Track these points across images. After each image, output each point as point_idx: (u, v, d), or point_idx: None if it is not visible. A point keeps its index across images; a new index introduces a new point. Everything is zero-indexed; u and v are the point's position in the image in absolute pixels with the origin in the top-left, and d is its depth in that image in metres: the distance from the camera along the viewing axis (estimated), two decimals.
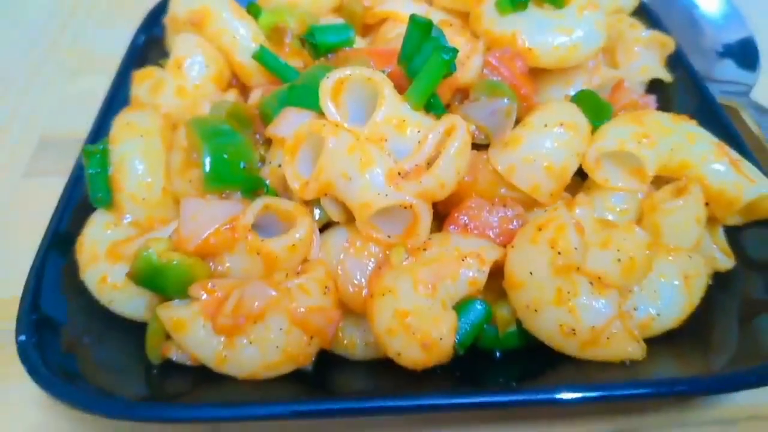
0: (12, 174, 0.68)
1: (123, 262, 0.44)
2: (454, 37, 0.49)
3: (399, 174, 0.40)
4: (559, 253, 0.39)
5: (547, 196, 0.45)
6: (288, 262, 0.41)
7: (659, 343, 0.43)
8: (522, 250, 0.41)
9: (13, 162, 0.69)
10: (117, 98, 0.59)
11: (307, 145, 0.42)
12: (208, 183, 0.44)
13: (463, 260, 0.41)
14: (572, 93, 0.53)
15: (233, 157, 0.45)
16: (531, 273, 0.40)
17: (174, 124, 0.51)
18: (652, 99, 0.56)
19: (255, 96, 0.53)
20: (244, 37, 0.53)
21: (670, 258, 0.44)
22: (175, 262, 0.41)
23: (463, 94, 0.49)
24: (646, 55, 0.61)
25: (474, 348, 0.42)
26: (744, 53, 0.72)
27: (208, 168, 0.44)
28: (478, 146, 0.47)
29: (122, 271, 0.43)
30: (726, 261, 0.48)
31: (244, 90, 0.55)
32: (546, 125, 0.44)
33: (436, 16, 0.54)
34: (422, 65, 0.43)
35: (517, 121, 0.47)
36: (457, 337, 0.40)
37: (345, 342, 0.42)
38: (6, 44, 0.86)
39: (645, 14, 0.69)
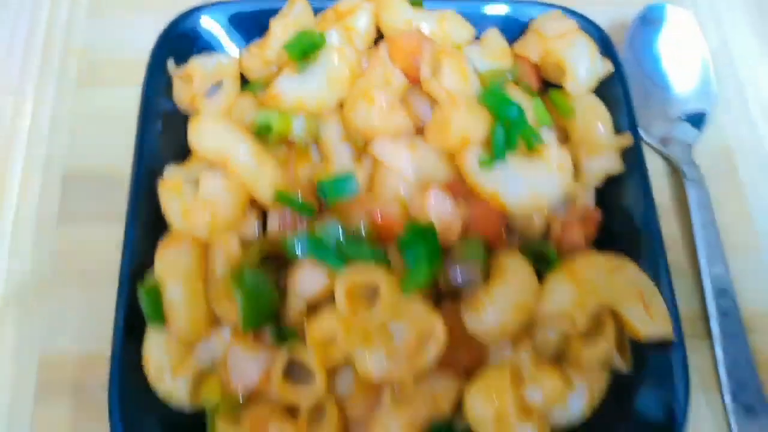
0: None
1: (183, 377, 0.60)
2: (442, 204, 0.60)
3: (392, 355, 0.55)
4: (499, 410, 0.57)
5: (499, 342, 0.60)
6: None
7: None
8: (477, 398, 0.58)
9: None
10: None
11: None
12: (244, 327, 0.58)
13: (433, 405, 0.58)
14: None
15: (262, 308, 0.59)
16: (482, 413, 0.58)
17: (205, 243, 0.63)
18: (598, 213, 0.69)
19: (273, 221, 0.63)
20: (263, 183, 0.61)
21: (582, 381, 0.62)
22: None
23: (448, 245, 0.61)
24: (604, 160, 0.71)
25: None
26: (697, 120, 0.83)
27: (242, 318, 0.58)
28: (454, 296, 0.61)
29: (183, 386, 0.60)
30: (623, 366, 0.65)
31: (261, 209, 0.65)
32: (502, 305, 0.59)
33: (428, 160, 0.63)
34: (414, 259, 0.56)
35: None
36: None
37: None
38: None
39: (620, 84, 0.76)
